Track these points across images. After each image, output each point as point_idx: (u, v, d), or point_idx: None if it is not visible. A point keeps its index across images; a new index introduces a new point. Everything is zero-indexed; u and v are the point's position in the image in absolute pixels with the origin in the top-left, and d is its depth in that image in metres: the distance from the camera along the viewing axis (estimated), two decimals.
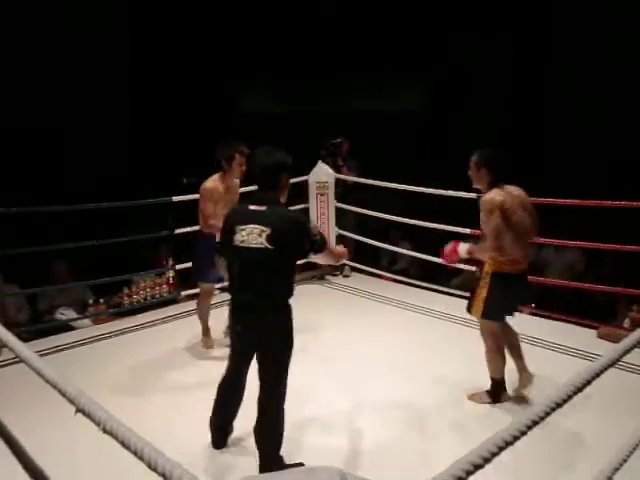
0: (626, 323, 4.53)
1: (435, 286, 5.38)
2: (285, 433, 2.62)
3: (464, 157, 3.76)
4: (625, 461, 1.66)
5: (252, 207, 2.57)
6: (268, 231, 2.46)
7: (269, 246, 2.46)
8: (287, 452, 2.70)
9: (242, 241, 2.50)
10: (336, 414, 3.24)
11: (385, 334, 4.38)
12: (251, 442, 2.91)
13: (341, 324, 4.60)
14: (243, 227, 2.52)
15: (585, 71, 8.34)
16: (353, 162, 5.88)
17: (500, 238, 3.02)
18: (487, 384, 3.37)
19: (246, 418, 2.74)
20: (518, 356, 3.34)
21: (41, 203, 4.48)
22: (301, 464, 2.62)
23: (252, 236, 2.49)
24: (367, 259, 6.15)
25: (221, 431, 2.89)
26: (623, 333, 4.13)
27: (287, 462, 2.63)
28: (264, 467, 2.58)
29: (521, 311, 4.46)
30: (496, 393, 3.33)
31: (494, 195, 3.07)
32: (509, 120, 9.01)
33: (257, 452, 2.63)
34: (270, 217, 2.50)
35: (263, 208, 2.54)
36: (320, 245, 2.61)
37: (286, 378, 2.61)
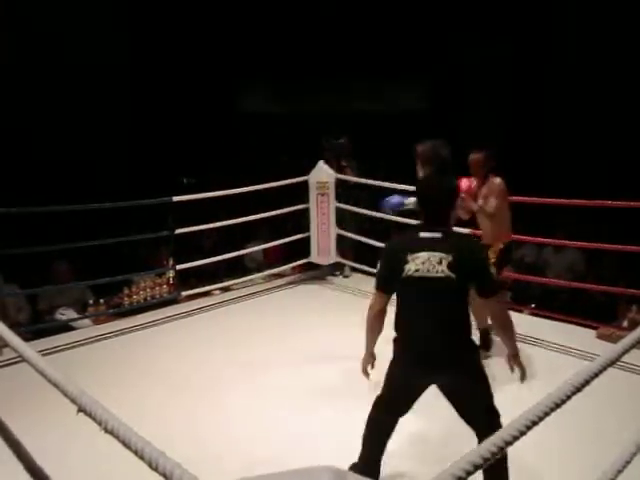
0: (625, 324, 4.53)
1: None
2: (285, 434, 2.62)
3: (464, 157, 3.78)
4: (628, 462, 1.66)
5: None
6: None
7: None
8: (287, 452, 2.70)
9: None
10: (336, 414, 3.24)
11: (385, 334, 4.37)
12: (251, 443, 2.91)
13: (341, 324, 4.59)
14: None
15: (585, 71, 8.34)
16: (353, 162, 5.88)
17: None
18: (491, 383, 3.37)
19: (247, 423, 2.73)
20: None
21: (41, 203, 4.48)
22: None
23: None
24: (367, 259, 6.14)
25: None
26: (622, 334, 4.14)
27: (284, 463, 2.63)
28: None
29: (521, 311, 4.48)
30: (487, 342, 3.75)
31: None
32: (509, 120, 9.02)
33: (256, 451, 2.63)
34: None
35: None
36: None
37: None
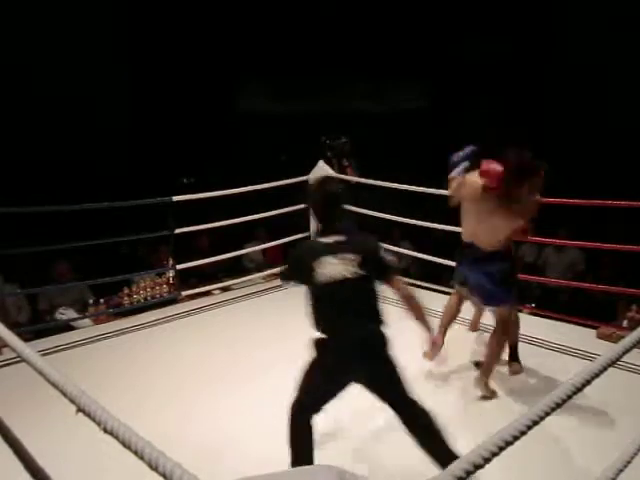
0: (625, 323, 4.53)
1: (435, 286, 5.37)
2: (285, 433, 2.61)
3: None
4: (629, 462, 1.66)
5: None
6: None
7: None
8: (287, 452, 2.70)
9: None
10: (335, 414, 3.23)
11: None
12: (251, 443, 2.91)
13: None
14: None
15: (585, 70, 8.34)
16: (353, 162, 5.89)
17: None
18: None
19: (247, 420, 2.73)
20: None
21: (41, 203, 4.48)
22: None
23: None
24: None
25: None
26: (622, 333, 4.15)
27: (284, 463, 2.64)
28: None
29: (521, 310, 4.47)
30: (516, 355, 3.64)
31: None
32: (509, 119, 9.02)
33: (256, 451, 2.63)
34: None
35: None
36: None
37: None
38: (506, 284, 3.33)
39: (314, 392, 2.51)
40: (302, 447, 2.51)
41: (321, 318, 2.46)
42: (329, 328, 2.44)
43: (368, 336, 2.43)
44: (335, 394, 2.51)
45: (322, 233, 2.51)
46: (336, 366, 2.43)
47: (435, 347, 2.87)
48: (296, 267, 2.53)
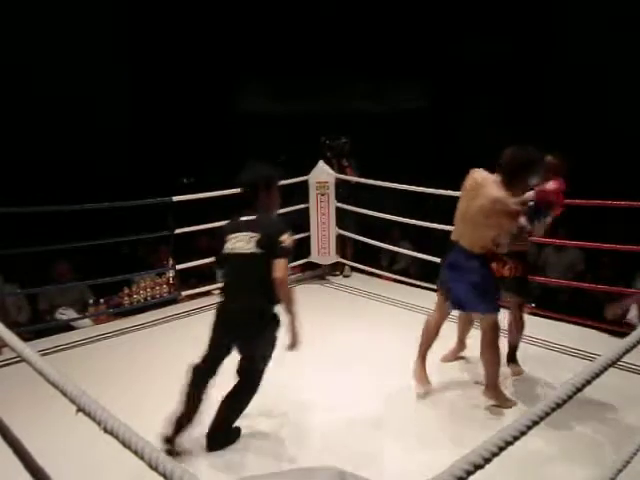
0: (632, 314, 4.51)
1: (435, 286, 5.37)
2: (285, 433, 2.62)
3: (464, 156, 3.77)
4: (628, 462, 1.66)
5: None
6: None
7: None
8: (287, 452, 2.70)
9: None
10: (335, 414, 3.24)
11: (385, 334, 4.38)
12: (250, 443, 2.91)
13: (341, 324, 4.60)
14: None
15: (585, 70, 8.34)
16: (353, 162, 5.88)
17: None
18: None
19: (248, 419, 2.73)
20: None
21: (41, 203, 4.48)
22: None
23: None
24: (367, 259, 6.15)
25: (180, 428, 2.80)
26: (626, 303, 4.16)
27: (284, 462, 2.66)
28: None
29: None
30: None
31: None
32: (509, 119, 9.02)
33: (256, 451, 2.64)
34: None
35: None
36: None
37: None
38: (483, 294, 3.13)
39: (208, 350, 2.81)
40: (191, 400, 2.76)
41: (222, 285, 2.90)
42: (222, 295, 2.86)
43: (246, 308, 2.73)
44: (222, 354, 2.81)
45: (243, 213, 2.85)
46: (218, 328, 2.81)
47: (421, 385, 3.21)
48: (218, 239, 2.87)
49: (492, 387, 3.25)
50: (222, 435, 2.82)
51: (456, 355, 3.87)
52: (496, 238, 3.10)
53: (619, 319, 4.35)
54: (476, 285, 3.11)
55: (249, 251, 2.70)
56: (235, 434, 2.88)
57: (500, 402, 3.23)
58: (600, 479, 1.63)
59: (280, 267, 2.68)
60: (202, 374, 2.77)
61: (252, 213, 2.81)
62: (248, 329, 2.75)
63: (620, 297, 4.74)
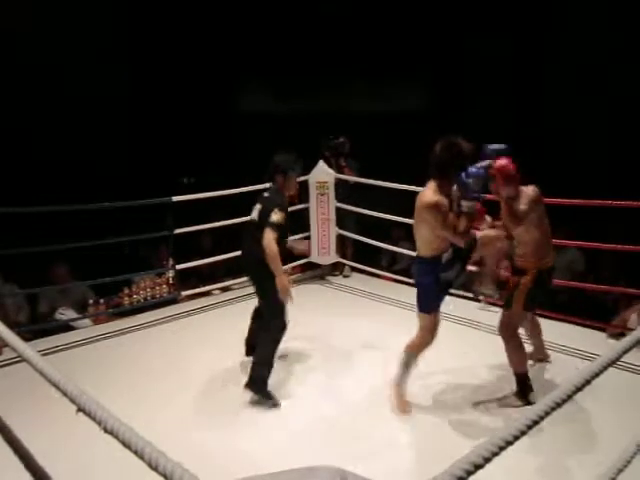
0: (632, 320, 4.50)
1: None
2: (285, 433, 2.62)
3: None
4: (629, 462, 1.66)
5: None
6: None
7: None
8: (288, 451, 2.70)
9: None
10: (335, 414, 3.24)
11: (385, 334, 4.38)
12: (251, 442, 2.91)
13: (341, 324, 4.60)
14: None
15: (585, 70, 8.34)
16: (353, 162, 5.88)
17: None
18: (492, 383, 3.37)
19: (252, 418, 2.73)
20: (539, 334, 3.79)
21: (41, 203, 4.48)
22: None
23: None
24: (367, 259, 6.15)
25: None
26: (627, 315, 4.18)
27: (284, 462, 2.65)
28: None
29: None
30: (525, 391, 3.29)
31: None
32: (509, 119, 9.01)
33: (256, 450, 2.63)
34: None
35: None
36: None
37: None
38: (423, 293, 3.23)
39: None
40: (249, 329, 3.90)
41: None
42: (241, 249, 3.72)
43: (249, 259, 3.53)
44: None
45: (267, 189, 3.60)
46: (242, 270, 3.91)
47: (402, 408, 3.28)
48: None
49: (395, 385, 3.32)
50: (254, 379, 3.34)
51: (537, 357, 3.85)
52: (433, 234, 3.11)
53: (621, 330, 4.34)
54: (418, 284, 3.27)
55: (253, 219, 3.47)
56: (265, 391, 3.35)
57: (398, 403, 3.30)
58: (600, 479, 1.63)
59: (266, 235, 3.29)
60: (255, 310, 3.78)
61: (269, 190, 3.53)
62: (251, 274, 3.58)
63: (618, 312, 4.74)
